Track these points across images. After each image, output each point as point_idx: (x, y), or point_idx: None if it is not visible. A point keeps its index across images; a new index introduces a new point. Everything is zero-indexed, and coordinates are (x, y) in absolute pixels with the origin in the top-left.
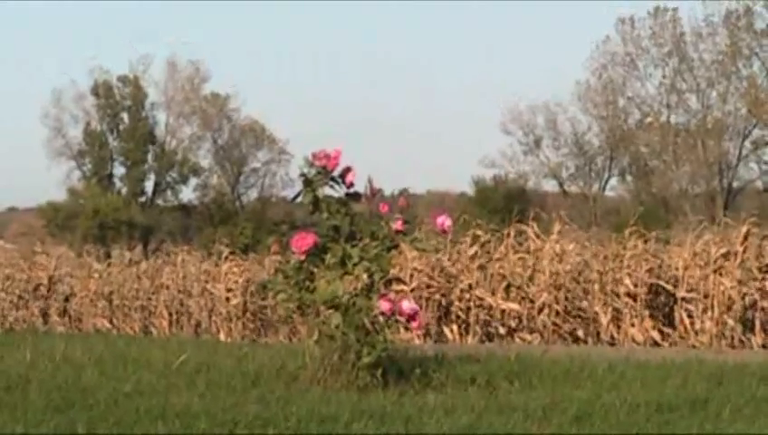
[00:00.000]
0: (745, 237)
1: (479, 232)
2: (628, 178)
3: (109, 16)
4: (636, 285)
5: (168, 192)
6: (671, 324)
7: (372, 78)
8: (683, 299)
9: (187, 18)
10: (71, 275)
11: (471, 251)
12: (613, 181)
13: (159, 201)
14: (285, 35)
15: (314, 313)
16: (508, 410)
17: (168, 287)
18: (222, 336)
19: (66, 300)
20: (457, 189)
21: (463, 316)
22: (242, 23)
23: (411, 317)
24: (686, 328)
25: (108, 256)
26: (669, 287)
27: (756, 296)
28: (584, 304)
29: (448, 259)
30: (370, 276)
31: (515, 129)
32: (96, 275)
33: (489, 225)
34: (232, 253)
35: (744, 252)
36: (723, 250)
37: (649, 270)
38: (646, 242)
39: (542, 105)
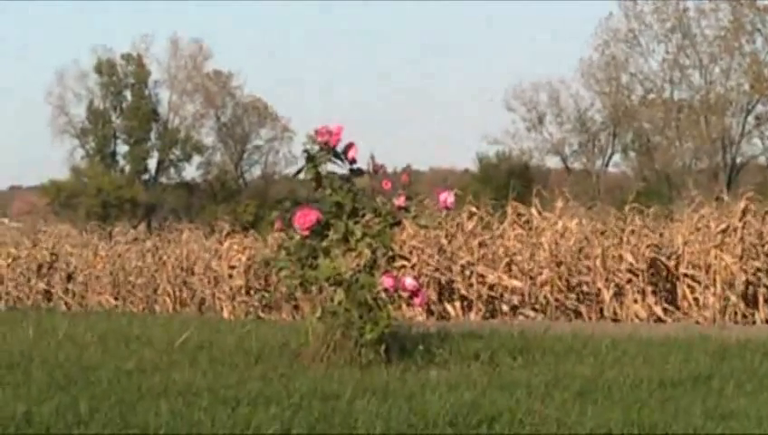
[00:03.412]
0: (743, 213)
1: (473, 208)
2: (632, 154)
3: None
4: (637, 261)
5: (172, 170)
6: (674, 301)
7: (374, 54)
8: (685, 275)
9: None
10: (71, 254)
11: (469, 226)
12: (616, 157)
13: (163, 179)
14: (286, 12)
15: (317, 289)
16: (511, 386)
17: (171, 265)
18: (225, 314)
19: (69, 278)
20: (461, 166)
21: (465, 293)
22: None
23: (414, 294)
24: (689, 304)
25: (111, 234)
26: (671, 263)
27: (760, 272)
28: (586, 280)
29: (446, 236)
30: (373, 253)
31: (518, 105)
32: (102, 253)
33: (491, 200)
34: (234, 230)
35: (744, 227)
36: (722, 226)
37: (650, 246)
38: (647, 217)
39: (544, 82)
